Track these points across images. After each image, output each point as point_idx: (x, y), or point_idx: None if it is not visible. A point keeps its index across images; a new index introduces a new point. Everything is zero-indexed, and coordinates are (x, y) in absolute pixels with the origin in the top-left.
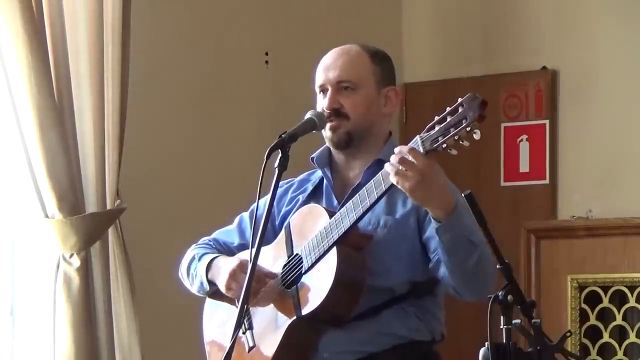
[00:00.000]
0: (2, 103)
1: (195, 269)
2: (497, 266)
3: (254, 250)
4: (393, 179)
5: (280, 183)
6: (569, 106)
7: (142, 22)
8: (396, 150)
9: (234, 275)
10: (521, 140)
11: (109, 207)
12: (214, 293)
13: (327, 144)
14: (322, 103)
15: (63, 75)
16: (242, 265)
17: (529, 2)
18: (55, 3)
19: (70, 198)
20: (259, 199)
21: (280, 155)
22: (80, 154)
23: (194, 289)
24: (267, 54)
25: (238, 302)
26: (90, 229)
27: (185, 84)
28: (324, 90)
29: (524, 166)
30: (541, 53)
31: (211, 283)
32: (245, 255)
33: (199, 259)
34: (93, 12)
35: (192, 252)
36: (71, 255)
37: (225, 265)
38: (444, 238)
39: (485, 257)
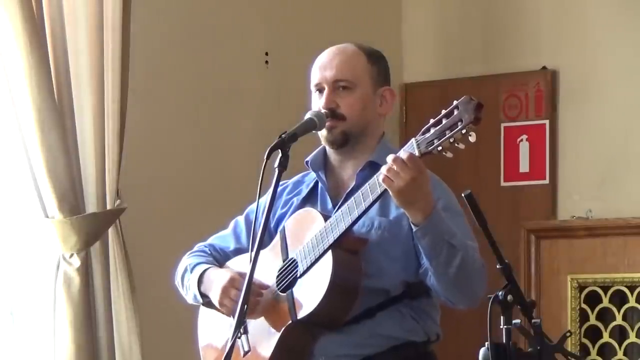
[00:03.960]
0: (2, 103)
1: (188, 280)
2: (497, 266)
3: (253, 253)
4: (380, 177)
5: None
6: (569, 106)
7: (142, 22)
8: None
9: (226, 292)
10: (521, 140)
11: (109, 207)
12: (209, 303)
13: (323, 143)
14: (319, 102)
15: (63, 75)
16: (233, 280)
17: (528, 2)
18: (55, 3)
19: (70, 198)
20: (259, 198)
21: (280, 155)
22: (80, 154)
23: (188, 299)
24: (267, 54)
25: (233, 316)
26: (90, 229)
27: (185, 84)
28: (320, 89)
29: (524, 166)
30: (541, 53)
31: (204, 295)
32: (238, 261)
33: (191, 270)
34: (93, 12)
35: (185, 261)
36: (71, 255)
37: (216, 280)
38: (423, 242)
39: (470, 261)
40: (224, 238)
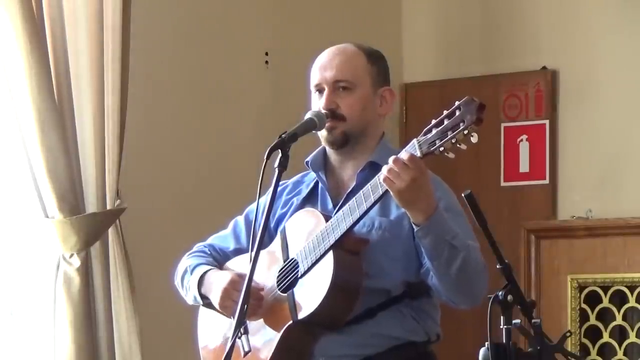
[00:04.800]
0: (3, 103)
1: (188, 281)
2: (497, 266)
3: (253, 253)
4: (381, 177)
5: None
6: (569, 106)
7: (142, 22)
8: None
9: (228, 294)
10: (521, 140)
11: (109, 207)
12: (209, 305)
13: (323, 143)
14: (319, 103)
15: (63, 75)
16: (233, 283)
17: (528, 2)
18: (55, 3)
19: (70, 198)
20: (259, 198)
21: (280, 155)
22: (80, 154)
23: (188, 300)
24: (267, 54)
25: (233, 317)
26: (90, 229)
27: (185, 84)
28: (320, 89)
29: (524, 166)
30: (541, 53)
31: (204, 297)
32: (238, 261)
33: (192, 272)
34: (93, 12)
35: (185, 262)
36: (71, 255)
37: (217, 282)
38: (424, 242)
39: (472, 262)
40: (223, 238)
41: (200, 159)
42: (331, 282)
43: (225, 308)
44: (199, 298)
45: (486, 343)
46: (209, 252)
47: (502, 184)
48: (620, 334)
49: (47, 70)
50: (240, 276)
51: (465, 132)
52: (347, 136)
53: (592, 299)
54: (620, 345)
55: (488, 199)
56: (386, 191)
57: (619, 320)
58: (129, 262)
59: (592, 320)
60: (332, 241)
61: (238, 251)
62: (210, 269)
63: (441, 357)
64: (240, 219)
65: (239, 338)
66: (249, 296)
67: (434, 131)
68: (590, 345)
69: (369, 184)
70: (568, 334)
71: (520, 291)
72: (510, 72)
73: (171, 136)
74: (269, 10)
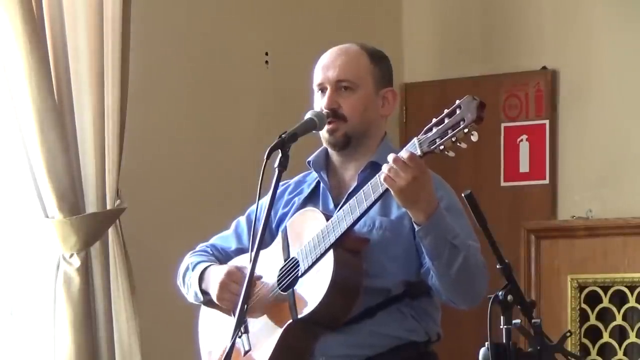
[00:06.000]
0: (2, 103)
1: (189, 278)
2: (497, 266)
3: (253, 253)
4: (381, 177)
5: None
6: (569, 106)
7: (142, 22)
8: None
9: (225, 286)
10: (521, 140)
11: (109, 207)
12: (209, 302)
13: (324, 144)
14: (321, 102)
15: (63, 75)
16: (230, 274)
17: (529, 2)
18: (55, 3)
19: (70, 198)
20: (259, 199)
21: (280, 155)
22: (80, 154)
23: (189, 298)
24: (267, 54)
25: (233, 312)
26: (90, 229)
27: (185, 84)
28: (322, 89)
29: (524, 166)
30: (541, 53)
31: (204, 293)
32: (239, 260)
33: (193, 268)
34: (93, 12)
35: (187, 260)
36: (71, 255)
37: (214, 276)
38: (425, 242)
39: (473, 262)
40: (225, 238)
41: (200, 159)
42: (331, 281)
43: (225, 300)
44: (199, 294)
45: (486, 343)
46: (210, 252)
47: (502, 184)
48: (620, 334)
49: (47, 70)
50: (238, 268)
51: (466, 130)
52: (348, 138)
53: (592, 299)
54: (620, 345)
55: (488, 199)
56: (386, 190)
57: (619, 320)
58: (129, 262)
59: (592, 320)
60: (332, 240)
61: (240, 251)
62: (211, 265)
63: (441, 357)
64: (242, 219)
65: (239, 337)
66: (249, 296)
67: (434, 130)
68: (590, 345)
69: (369, 183)
70: (568, 334)
71: (520, 291)
72: (510, 72)
73: (171, 136)
74: (269, 10)
